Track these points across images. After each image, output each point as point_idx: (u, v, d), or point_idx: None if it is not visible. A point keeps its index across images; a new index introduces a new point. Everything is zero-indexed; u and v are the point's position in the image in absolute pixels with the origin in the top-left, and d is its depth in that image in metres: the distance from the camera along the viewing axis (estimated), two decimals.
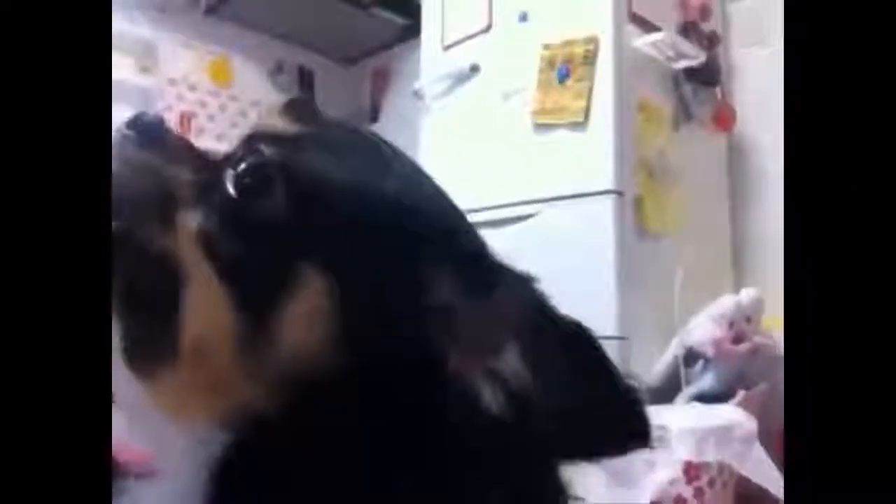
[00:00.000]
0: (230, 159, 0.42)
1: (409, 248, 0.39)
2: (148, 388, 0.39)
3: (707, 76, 1.95)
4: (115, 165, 0.41)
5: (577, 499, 0.42)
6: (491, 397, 0.35)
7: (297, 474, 0.36)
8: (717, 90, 2.03)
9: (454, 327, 0.37)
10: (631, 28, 1.76)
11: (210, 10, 2.92)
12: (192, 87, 2.94)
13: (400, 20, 2.89)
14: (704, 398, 1.59)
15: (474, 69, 2.01)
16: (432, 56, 2.20)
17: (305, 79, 3.31)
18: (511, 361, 0.36)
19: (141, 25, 2.75)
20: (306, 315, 0.37)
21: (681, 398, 1.61)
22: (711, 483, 1.35)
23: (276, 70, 3.24)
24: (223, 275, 0.38)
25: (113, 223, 0.38)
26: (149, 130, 0.44)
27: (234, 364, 0.37)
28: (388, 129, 3.14)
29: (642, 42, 1.76)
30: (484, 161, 1.89)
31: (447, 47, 2.14)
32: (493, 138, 1.92)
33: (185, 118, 2.85)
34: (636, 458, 1.33)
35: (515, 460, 0.37)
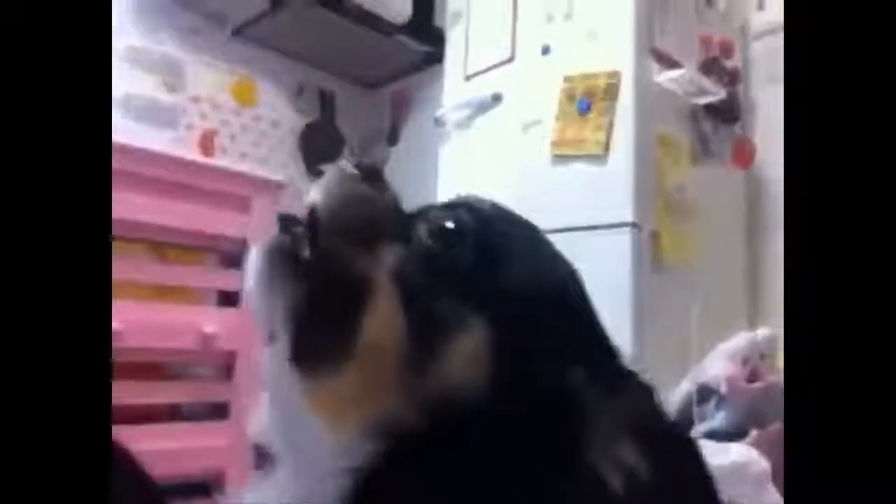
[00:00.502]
0: (426, 213, 0.49)
1: (560, 327, 0.45)
2: (309, 391, 0.44)
3: (727, 113, 1.96)
4: (345, 196, 0.49)
5: None
6: (614, 480, 0.39)
7: (428, 492, 0.40)
8: (737, 127, 2.04)
9: (585, 414, 0.41)
10: (652, 63, 1.78)
11: (236, 32, 2.97)
12: (216, 106, 2.98)
13: (422, 47, 2.93)
14: (716, 436, 1.57)
15: (496, 99, 2.03)
16: (454, 85, 2.23)
17: (326, 101, 3.35)
18: (633, 456, 0.40)
19: (167, 45, 2.80)
20: (466, 355, 0.42)
21: (693, 435, 1.60)
22: None
23: (298, 92, 3.28)
24: (406, 303, 0.44)
25: (324, 241, 0.47)
26: (371, 174, 0.51)
27: (396, 380, 0.42)
28: (407, 154, 3.16)
29: (663, 77, 1.78)
30: (502, 190, 1.89)
31: (469, 77, 2.16)
32: (513, 168, 1.93)
33: (208, 136, 2.89)
34: None
35: None
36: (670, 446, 0.42)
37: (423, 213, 0.50)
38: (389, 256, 0.46)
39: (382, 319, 0.44)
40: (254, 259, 0.48)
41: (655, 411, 0.44)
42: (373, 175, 0.51)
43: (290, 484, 0.44)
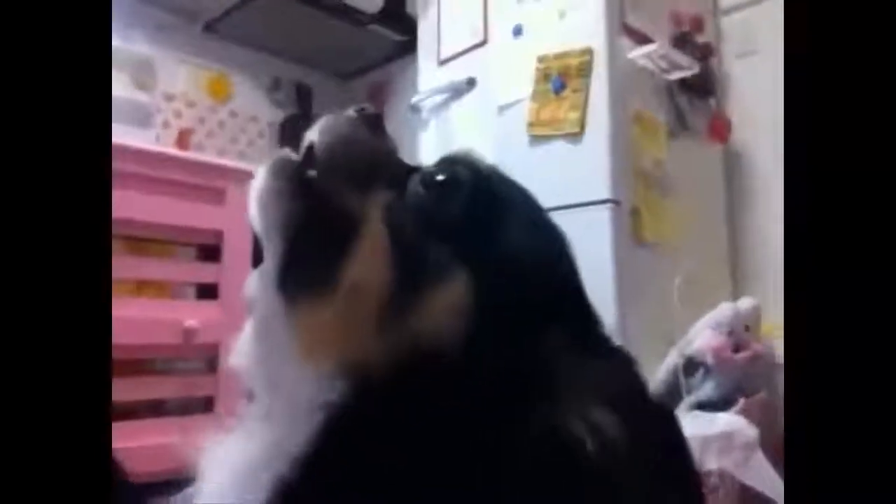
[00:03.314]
0: (422, 168, 0.50)
1: (543, 289, 0.45)
2: (290, 319, 0.44)
3: (701, 87, 1.97)
4: (343, 136, 0.49)
5: None
6: (586, 438, 0.38)
7: (394, 436, 0.40)
8: (712, 101, 2.05)
9: (560, 376, 0.41)
10: (625, 40, 1.78)
11: (207, 28, 2.94)
12: (191, 104, 2.96)
13: (397, 37, 2.91)
14: (705, 406, 1.58)
15: (470, 83, 2.02)
16: (428, 71, 2.22)
17: (303, 94, 3.33)
18: (608, 420, 0.39)
19: (138, 43, 2.76)
20: (447, 304, 0.42)
21: (682, 407, 1.61)
22: (714, 491, 1.35)
23: (274, 86, 3.25)
24: (393, 246, 0.44)
25: (318, 176, 0.47)
26: (372, 120, 0.51)
27: (375, 320, 0.42)
28: None
29: (636, 53, 1.78)
30: None
31: (443, 62, 2.15)
32: (490, 151, 1.92)
33: (184, 134, 2.86)
34: None
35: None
36: (648, 416, 0.42)
37: (419, 167, 0.50)
38: (382, 200, 0.47)
39: (368, 259, 0.44)
40: (260, 173, 0.49)
41: (635, 381, 0.43)
42: (373, 121, 0.51)
43: (261, 427, 0.44)
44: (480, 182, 0.48)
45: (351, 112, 0.51)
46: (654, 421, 0.42)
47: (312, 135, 0.49)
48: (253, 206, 0.48)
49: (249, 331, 0.48)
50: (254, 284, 0.48)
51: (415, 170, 0.50)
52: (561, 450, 0.39)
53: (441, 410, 0.40)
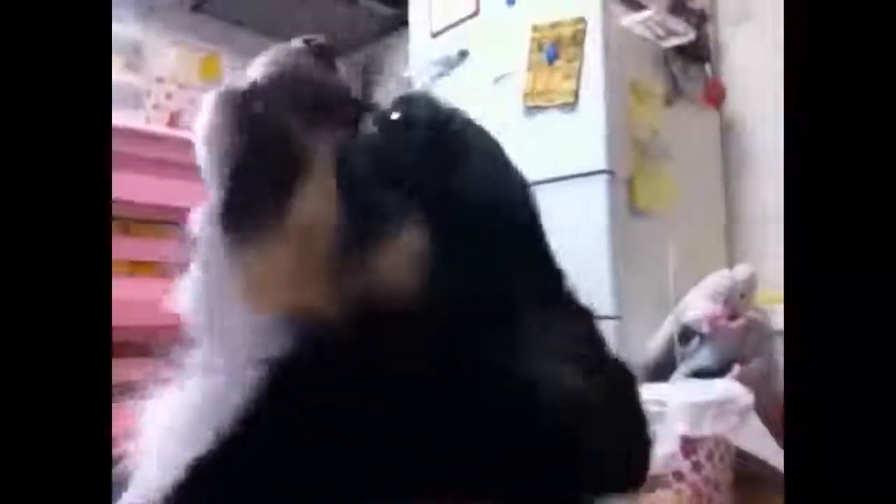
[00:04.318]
0: (375, 107, 0.47)
1: (504, 242, 0.43)
2: (235, 260, 0.42)
3: (696, 53, 1.95)
4: (289, 68, 0.46)
5: None
6: (544, 388, 0.37)
7: (345, 390, 0.38)
8: (707, 67, 2.03)
9: (520, 329, 0.40)
10: (619, 7, 1.75)
11: (196, 7, 2.90)
12: (182, 85, 2.93)
13: (388, 10, 2.88)
14: (701, 374, 1.59)
15: (463, 54, 2.00)
16: (421, 43, 2.19)
17: None
18: (566, 370, 0.38)
19: (126, 23, 2.73)
20: (402, 251, 0.40)
21: (677, 375, 1.62)
22: (709, 457, 1.36)
23: None
24: (344, 188, 0.42)
25: (263, 109, 0.44)
26: (321, 51, 0.48)
27: (324, 267, 0.40)
28: None
29: (630, 20, 1.76)
30: None
31: (435, 34, 2.13)
32: (485, 122, 1.91)
33: (175, 116, 2.84)
34: None
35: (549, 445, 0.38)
36: (606, 371, 0.41)
37: (372, 106, 0.47)
38: (332, 137, 0.44)
39: (316, 198, 0.42)
40: (203, 107, 0.46)
41: (593, 335, 0.42)
42: (322, 52, 0.48)
43: (203, 378, 0.42)
44: (437, 122, 0.45)
45: (298, 42, 0.48)
46: (612, 375, 0.41)
47: (257, 67, 0.46)
48: (197, 140, 0.45)
49: (194, 273, 0.45)
50: (198, 222, 0.45)
51: (368, 108, 0.47)
52: (518, 399, 0.37)
53: (394, 359, 0.38)
